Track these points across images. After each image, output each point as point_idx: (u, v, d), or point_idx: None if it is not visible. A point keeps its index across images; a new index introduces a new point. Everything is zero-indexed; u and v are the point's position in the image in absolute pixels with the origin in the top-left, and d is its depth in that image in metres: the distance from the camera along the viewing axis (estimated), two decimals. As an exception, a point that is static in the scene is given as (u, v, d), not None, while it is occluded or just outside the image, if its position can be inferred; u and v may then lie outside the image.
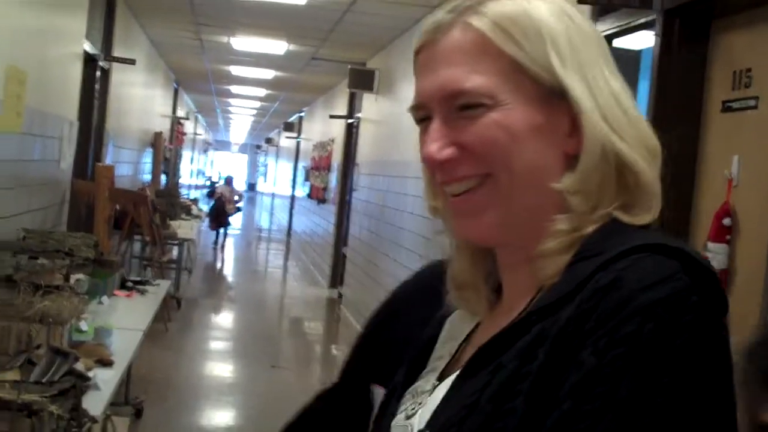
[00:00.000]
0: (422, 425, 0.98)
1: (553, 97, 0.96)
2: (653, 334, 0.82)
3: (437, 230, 1.09)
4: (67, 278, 3.85)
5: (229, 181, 21.19)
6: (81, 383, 2.80)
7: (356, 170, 11.19)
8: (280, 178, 26.41)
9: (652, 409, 0.82)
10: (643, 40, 3.93)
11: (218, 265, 16.23)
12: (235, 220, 23.98)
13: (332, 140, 13.79)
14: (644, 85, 3.78)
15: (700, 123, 3.41)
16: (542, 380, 0.86)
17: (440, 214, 1.06)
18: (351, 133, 12.23)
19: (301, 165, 19.20)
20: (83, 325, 3.74)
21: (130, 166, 10.23)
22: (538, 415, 0.86)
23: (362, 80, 9.92)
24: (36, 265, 3.79)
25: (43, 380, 2.86)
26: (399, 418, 1.05)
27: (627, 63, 4.09)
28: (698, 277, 0.86)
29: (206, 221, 17.24)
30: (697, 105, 3.42)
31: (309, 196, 16.53)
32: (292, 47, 10.47)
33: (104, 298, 4.72)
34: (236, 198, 20.09)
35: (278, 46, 10.52)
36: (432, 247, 6.35)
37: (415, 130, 1.04)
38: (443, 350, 1.09)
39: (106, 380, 3.20)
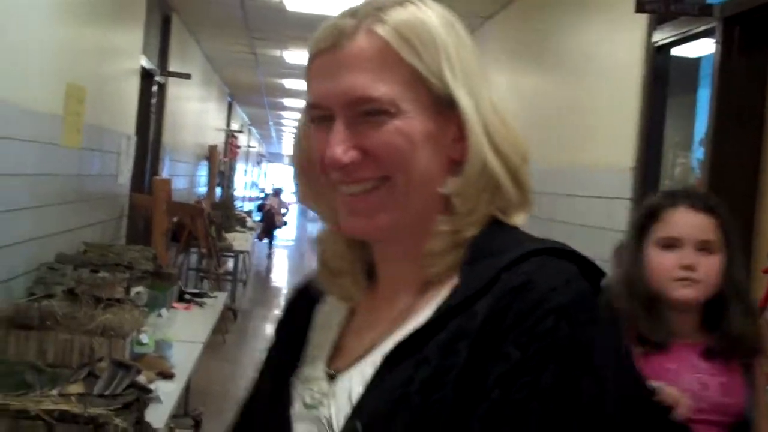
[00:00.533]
0: (340, 419, 1.02)
1: (443, 106, 1.02)
2: (568, 330, 0.92)
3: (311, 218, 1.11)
4: (127, 291, 3.89)
5: (277, 192, 21.10)
6: (144, 396, 2.82)
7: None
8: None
9: (572, 394, 0.91)
10: (702, 48, 3.88)
11: (272, 276, 16.32)
12: (287, 232, 24.19)
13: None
14: (704, 93, 3.73)
15: (762, 131, 3.36)
16: (467, 372, 0.93)
17: (315, 206, 1.12)
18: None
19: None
20: (144, 338, 3.78)
21: (186, 179, 10.34)
22: (466, 405, 0.93)
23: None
24: (97, 278, 3.84)
25: (106, 393, 2.89)
26: (298, 408, 1.09)
27: (686, 71, 4.05)
28: (591, 274, 0.99)
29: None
30: (758, 112, 3.37)
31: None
32: (345, 59, 10.51)
33: (163, 311, 4.76)
34: (283, 210, 20.26)
35: (331, 59, 10.57)
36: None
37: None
38: (320, 338, 1.13)
39: (167, 393, 3.23)
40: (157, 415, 2.97)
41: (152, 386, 3.18)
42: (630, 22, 4.16)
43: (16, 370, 3.05)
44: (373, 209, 1.03)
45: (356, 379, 1.03)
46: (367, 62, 1.01)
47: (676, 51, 4.03)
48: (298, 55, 10.65)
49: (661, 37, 3.95)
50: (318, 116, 1.06)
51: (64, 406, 2.07)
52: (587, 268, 1.00)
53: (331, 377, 1.08)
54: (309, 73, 1.07)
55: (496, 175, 1.02)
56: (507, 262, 0.97)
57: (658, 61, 4.01)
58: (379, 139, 1.01)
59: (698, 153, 3.83)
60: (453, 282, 1.01)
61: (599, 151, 4.44)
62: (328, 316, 1.15)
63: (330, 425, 1.04)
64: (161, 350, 3.69)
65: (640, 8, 3.52)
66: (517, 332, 0.92)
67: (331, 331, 1.13)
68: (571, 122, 4.87)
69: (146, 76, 7.36)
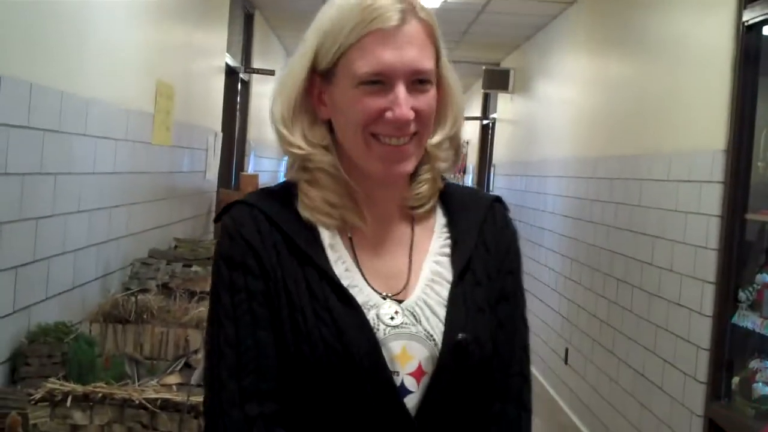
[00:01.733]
0: (439, 333, 1.32)
1: (437, 80, 1.36)
2: (518, 241, 1.49)
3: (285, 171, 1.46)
4: (219, 285, 3.96)
5: None
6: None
7: (493, 171, 11.13)
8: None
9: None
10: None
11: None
12: None
13: (467, 142, 13.76)
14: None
15: None
16: (495, 287, 1.41)
17: (301, 148, 1.37)
18: (486, 134, 12.17)
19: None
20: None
21: (270, 174, 10.47)
22: (497, 309, 1.40)
23: (497, 80, 9.86)
24: (189, 272, 3.92)
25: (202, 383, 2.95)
26: (383, 328, 1.30)
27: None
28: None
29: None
30: None
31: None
32: (425, 51, 10.50)
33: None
34: None
35: (412, 51, 10.57)
36: (573, 246, 6.26)
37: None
38: (338, 267, 1.33)
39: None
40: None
41: (246, 377, 3.24)
42: (719, 2, 4.06)
43: (115, 362, 3.13)
44: (406, 157, 1.34)
45: (430, 300, 1.35)
46: (422, 41, 1.31)
47: (767, 31, 3.92)
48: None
49: (751, 15, 3.84)
50: (370, 81, 1.30)
51: (166, 395, 2.12)
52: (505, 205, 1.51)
53: (397, 301, 1.34)
54: (367, 45, 1.30)
55: (458, 130, 1.41)
56: (485, 208, 1.45)
57: (749, 40, 3.90)
58: (426, 102, 1.33)
59: (792, 134, 3.73)
60: (434, 216, 1.43)
61: (689, 134, 4.35)
62: (329, 235, 1.36)
63: (430, 337, 1.32)
64: (253, 342, 3.75)
65: (729, -13, 3.43)
66: (510, 260, 1.44)
67: (345, 259, 1.36)
68: (658, 106, 4.78)
69: (230, 73, 7.47)
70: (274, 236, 1.33)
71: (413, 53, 1.29)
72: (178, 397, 2.13)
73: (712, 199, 4.00)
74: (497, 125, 11.15)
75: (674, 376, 4.26)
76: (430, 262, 1.39)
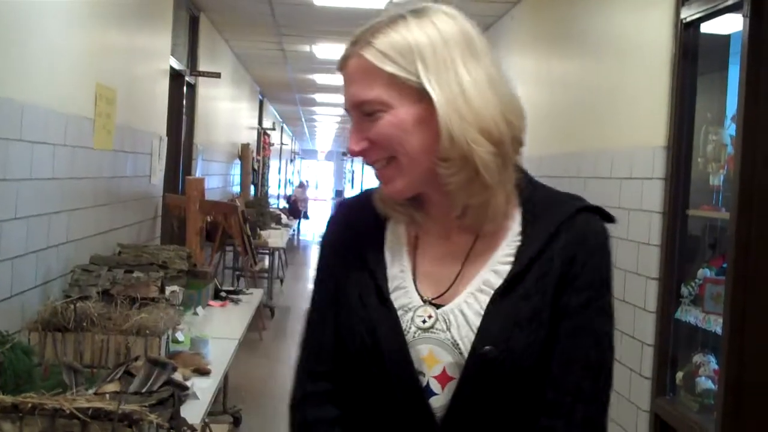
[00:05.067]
0: (467, 342, 1.35)
1: (424, 96, 1.34)
2: (607, 265, 1.40)
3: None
4: (162, 290, 3.90)
5: (301, 185, 27.48)
6: (179, 393, 2.83)
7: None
8: (366, 184, 26.52)
9: (611, 306, 1.40)
10: (733, 24, 3.81)
11: (309, 271, 16.33)
12: (319, 225, 25.56)
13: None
14: (735, 70, 3.66)
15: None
16: (555, 303, 1.36)
17: None
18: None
19: (387, 169, 19.24)
20: (180, 336, 3.80)
21: (219, 178, 10.39)
22: (554, 326, 1.36)
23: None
24: (131, 278, 3.86)
25: (143, 390, 2.91)
26: (413, 330, 1.39)
27: (716, 47, 3.98)
28: (609, 221, 1.43)
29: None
30: (791, 86, 3.30)
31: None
32: (373, 52, 10.49)
33: (199, 309, 4.79)
34: (305, 197, 26.15)
35: (359, 52, 10.55)
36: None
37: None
38: (394, 268, 1.44)
39: (203, 389, 3.24)
40: (193, 411, 2.99)
41: (188, 383, 3.20)
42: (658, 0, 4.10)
43: (54, 371, 3.07)
44: (389, 179, 1.40)
45: (466, 310, 1.38)
46: (359, 76, 1.37)
47: (706, 28, 3.96)
48: (327, 50, 10.64)
49: (689, 13, 3.88)
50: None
51: (98, 404, 2.08)
52: (606, 216, 1.43)
53: (436, 306, 1.40)
54: None
55: (465, 145, 1.33)
56: (562, 218, 1.39)
57: (687, 37, 3.94)
58: (376, 131, 1.37)
59: (731, 129, 3.77)
60: (509, 230, 1.41)
61: (631, 132, 4.38)
62: (394, 244, 1.47)
63: (456, 345, 1.37)
64: (197, 347, 3.71)
65: (665, -15, 3.46)
66: (585, 274, 1.37)
67: (403, 260, 1.45)
68: (601, 104, 4.82)
69: (176, 76, 7.40)
70: (350, 232, 1.50)
71: (352, 89, 1.38)
72: (110, 405, 2.08)
73: (654, 195, 4.04)
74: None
75: (620, 372, 4.29)
76: (488, 270, 1.40)
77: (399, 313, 1.40)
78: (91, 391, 2.80)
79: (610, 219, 1.43)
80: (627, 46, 4.54)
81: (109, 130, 4.79)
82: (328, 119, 24.16)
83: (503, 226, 1.41)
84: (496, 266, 1.39)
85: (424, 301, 1.41)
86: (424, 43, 1.34)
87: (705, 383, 3.74)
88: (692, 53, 3.95)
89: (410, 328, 1.39)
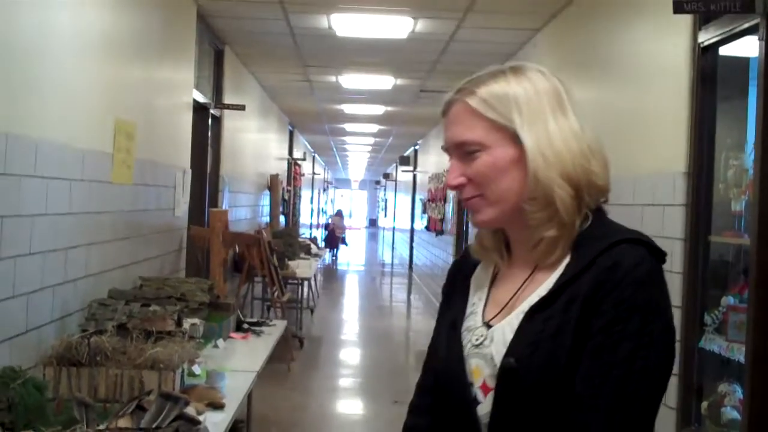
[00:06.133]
0: (500, 356, 1.52)
1: (519, 141, 1.55)
2: (643, 294, 1.45)
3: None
4: (179, 323, 3.89)
5: (339, 213, 30.25)
6: (190, 427, 2.80)
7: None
8: (399, 212, 26.51)
9: (647, 334, 1.44)
10: (752, 47, 3.75)
11: (343, 301, 16.31)
12: (356, 257, 27.67)
13: (446, 171, 13.75)
14: (755, 94, 3.60)
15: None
16: (579, 324, 1.47)
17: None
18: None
19: (418, 198, 19.24)
20: (197, 369, 3.78)
21: (248, 209, 10.42)
22: (578, 346, 1.46)
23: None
24: (148, 312, 3.85)
25: (154, 426, 2.88)
26: (468, 347, 1.60)
27: (736, 71, 3.92)
28: (656, 254, 1.50)
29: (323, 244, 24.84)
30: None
31: (427, 228, 16.52)
32: (399, 82, 10.52)
33: (219, 341, 4.77)
34: (343, 225, 28.64)
35: (385, 82, 10.59)
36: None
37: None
38: (474, 298, 1.68)
39: (216, 423, 3.21)
40: (205, 446, 2.96)
41: (201, 417, 3.17)
42: (675, 24, 4.05)
43: (68, 405, 3.06)
44: (479, 209, 1.60)
45: (507, 329, 1.54)
46: (461, 118, 1.59)
47: (724, 51, 3.91)
48: (353, 80, 10.67)
49: (706, 37, 3.84)
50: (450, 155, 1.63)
51: (96, 442, 2.05)
52: (654, 249, 1.50)
53: (488, 326, 1.59)
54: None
55: (548, 189, 1.53)
56: (602, 248, 1.49)
57: (706, 61, 3.89)
58: (475, 168, 1.57)
59: (752, 154, 3.71)
60: (561, 262, 1.54)
61: (652, 157, 4.33)
62: (480, 279, 1.70)
63: (492, 359, 1.54)
64: (213, 381, 3.69)
65: (678, 9, 3.42)
66: (611, 297, 1.44)
67: (483, 291, 1.67)
68: (621, 129, 4.77)
69: (200, 109, 7.44)
70: (454, 277, 1.78)
71: (455, 129, 1.59)
72: (108, 443, 2.06)
73: (675, 221, 3.98)
74: (474, 154, 11.13)
75: (645, 402, 4.20)
76: (535, 295, 1.55)
77: (464, 333, 1.63)
78: (102, 426, 2.79)
79: (658, 252, 1.51)
80: (646, 72, 4.50)
81: (129, 164, 4.81)
82: (359, 148, 24.22)
83: (561, 258, 1.55)
84: (542, 291, 1.54)
85: (484, 323, 1.61)
86: (521, 95, 1.56)
87: (730, 413, 3.66)
88: (710, 77, 3.90)
89: (467, 345, 1.60)
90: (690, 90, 3.95)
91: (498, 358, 1.53)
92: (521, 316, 1.54)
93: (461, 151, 1.58)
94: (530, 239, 1.57)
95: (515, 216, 1.58)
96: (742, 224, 3.72)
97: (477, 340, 1.59)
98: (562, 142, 1.54)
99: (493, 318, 1.60)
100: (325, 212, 35.54)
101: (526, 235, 1.58)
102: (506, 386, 1.51)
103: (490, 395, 1.54)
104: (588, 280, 1.48)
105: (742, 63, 3.88)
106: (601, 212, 1.59)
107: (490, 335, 1.58)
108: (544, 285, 1.55)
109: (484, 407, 1.55)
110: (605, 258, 1.48)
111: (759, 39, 3.27)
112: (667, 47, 4.22)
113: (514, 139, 1.55)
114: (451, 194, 13.24)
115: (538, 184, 1.53)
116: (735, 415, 3.62)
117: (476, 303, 1.67)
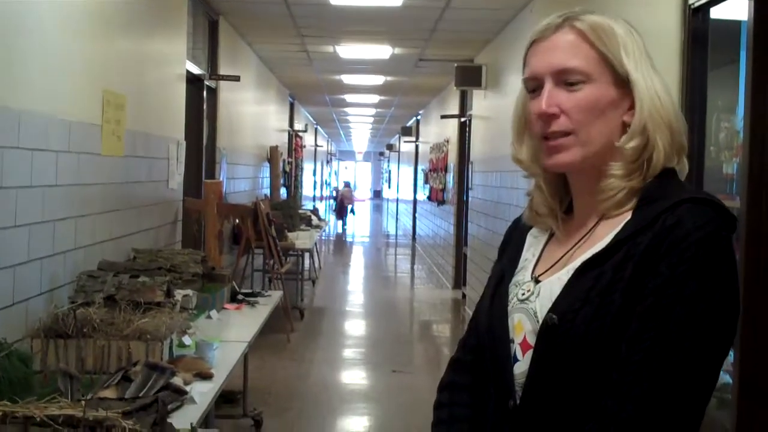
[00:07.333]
0: (543, 311, 1.45)
1: (622, 83, 1.46)
2: (704, 257, 1.34)
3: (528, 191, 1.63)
4: (168, 294, 3.88)
5: (347, 185, 31.26)
6: (167, 397, 2.80)
7: (470, 169, 11.08)
8: (402, 183, 26.49)
9: (705, 300, 1.33)
10: (745, 9, 3.70)
11: (346, 275, 16.31)
12: (361, 228, 27.78)
13: (447, 141, 13.72)
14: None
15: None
16: (632, 283, 1.37)
17: (523, 163, 1.58)
18: (464, 132, 12.13)
19: (420, 168, 19.21)
20: (187, 340, 3.78)
21: (247, 181, 10.40)
22: (628, 307, 1.36)
23: (469, 77, 9.80)
24: (137, 283, 3.84)
25: (140, 395, 2.88)
26: (513, 301, 1.53)
27: (727, 33, 3.87)
28: (725, 218, 1.38)
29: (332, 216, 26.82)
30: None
31: (429, 198, 16.51)
32: (397, 51, 10.45)
33: (213, 312, 4.77)
34: (352, 196, 29.49)
35: (383, 51, 10.52)
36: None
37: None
38: (528, 254, 1.60)
39: (203, 393, 3.21)
40: (191, 415, 2.96)
41: (188, 387, 3.17)
42: (665, -14, 4.01)
43: (53, 378, 3.06)
44: (563, 148, 1.46)
45: (555, 284, 1.47)
46: (568, 45, 1.47)
47: (716, 14, 3.86)
48: (351, 50, 10.60)
49: (697, -3, 3.79)
50: (533, 87, 1.50)
51: (69, 411, 2.05)
52: (722, 211, 1.39)
53: (537, 281, 1.52)
54: (527, 55, 1.52)
55: (652, 135, 1.44)
56: (666, 207, 1.38)
57: (696, 22, 3.84)
58: (575, 102, 1.45)
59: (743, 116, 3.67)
60: (625, 218, 1.44)
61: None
62: (536, 240, 1.62)
63: (535, 315, 1.47)
64: (202, 351, 3.68)
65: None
66: (669, 257, 1.34)
67: (537, 248, 1.60)
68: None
69: (195, 80, 7.40)
70: (510, 235, 1.70)
71: (558, 55, 1.46)
72: (81, 412, 2.05)
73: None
74: (473, 122, 11.10)
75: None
76: (590, 251, 1.46)
77: (511, 287, 1.56)
78: (86, 397, 2.78)
79: (728, 216, 1.39)
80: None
81: (119, 136, 4.78)
82: (361, 119, 24.15)
83: (625, 214, 1.46)
84: (597, 248, 1.45)
85: (533, 278, 1.53)
86: (626, 37, 1.47)
87: (722, 377, 3.64)
88: (701, 39, 3.85)
89: (513, 299, 1.53)
90: (681, 52, 3.91)
91: (542, 314, 1.45)
92: (572, 272, 1.46)
93: (559, 80, 1.46)
94: (600, 191, 1.47)
95: (595, 162, 1.47)
96: (733, 188, 3.69)
97: (523, 294, 1.52)
98: (665, 93, 1.46)
99: (543, 273, 1.53)
100: (329, 184, 35.54)
101: (596, 185, 1.48)
102: (547, 344, 1.43)
103: (529, 353, 1.46)
104: (647, 238, 1.37)
105: (734, 25, 3.83)
106: (672, 171, 1.48)
107: (537, 290, 1.50)
108: (601, 243, 1.45)
109: (521, 365, 1.48)
110: (668, 216, 1.37)
111: (749, 1, 3.22)
112: (658, 9, 4.17)
113: (616, 80, 1.45)
114: (451, 164, 13.19)
115: (643, 130, 1.43)
116: (727, 379, 3.60)
117: (528, 259, 1.59)
